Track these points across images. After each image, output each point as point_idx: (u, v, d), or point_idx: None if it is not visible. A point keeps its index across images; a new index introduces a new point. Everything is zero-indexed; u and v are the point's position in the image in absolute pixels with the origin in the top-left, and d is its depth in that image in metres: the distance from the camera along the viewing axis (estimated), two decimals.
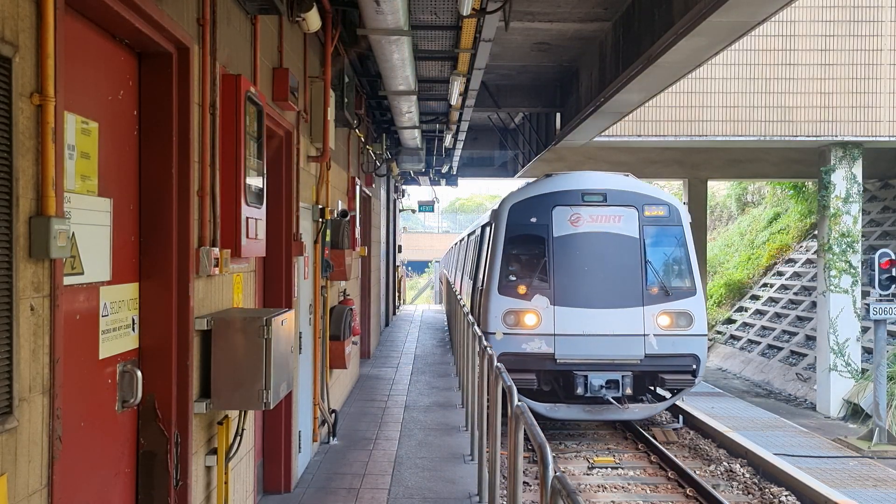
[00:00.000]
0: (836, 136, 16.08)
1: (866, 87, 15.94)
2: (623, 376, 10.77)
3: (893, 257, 12.87)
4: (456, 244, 28.16)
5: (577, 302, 11.06)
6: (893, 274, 12.84)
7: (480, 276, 12.54)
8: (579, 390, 10.69)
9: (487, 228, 12.78)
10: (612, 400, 10.76)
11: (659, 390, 12.10)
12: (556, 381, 11.44)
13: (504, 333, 11.02)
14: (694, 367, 11.02)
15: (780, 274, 23.56)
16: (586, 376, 10.71)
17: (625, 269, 11.21)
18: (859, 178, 16.63)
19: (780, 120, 16.21)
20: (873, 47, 15.96)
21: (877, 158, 19.82)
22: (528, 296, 11.11)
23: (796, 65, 16.08)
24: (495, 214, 11.97)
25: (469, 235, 18.86)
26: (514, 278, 11.37)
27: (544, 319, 10.99)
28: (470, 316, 9.54)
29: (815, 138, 16.21)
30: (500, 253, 11.41)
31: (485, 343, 7.12)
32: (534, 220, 11.46)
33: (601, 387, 10.70)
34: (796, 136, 16.18)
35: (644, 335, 10.99)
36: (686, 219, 11.67)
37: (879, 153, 19.60)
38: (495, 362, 6.01)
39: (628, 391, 10.78)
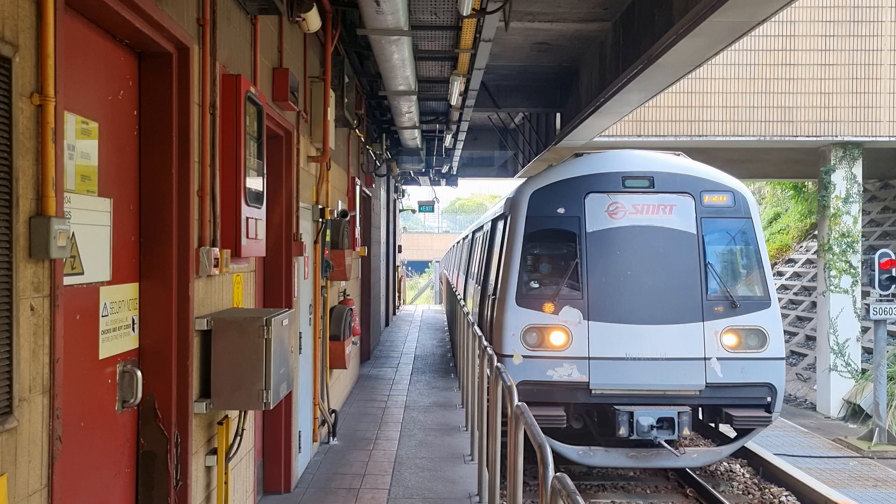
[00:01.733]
0: (836, 137, 16.09)
1: (866, 87, 15.95)
2: (679, 413, 8.42)
3: (893, 257, 12.87)
4: (458, 243, 26.19)
5: (617, 316, 8.77)
6: (893, 274, 12.84)
7: (491, 281, 10.19)
8: (622, 431, 8.37)
9: (501, 222, 10.43)
10: (664, 443, 8.47)
11: (722, 427, 9.72)
12: (588, 416, 9.20)
13: (524, 356, 8.70)
14: (769, 399, 8.74)
15: (780, 274, 23.56)
16: (631, 413, 8.38)
17: (679, 273, 8.92)
18: (859, 179, 16.64)
19: (780, 120, 16.22)
20: (873, 47, 15.97)
21: (877, 158, 19.83)
22: (555, 308, 8.82)
23: (796, 65, 16.09)
24: (512, 204, 9.57)
25: (475, 232, 16.01)
26: (536, 285, 9.10)
27: (576, 338, 8.71)
28: (470, 316, 9.48)
29: (815, 138, 16.22)
30: (519, 253, 9.10)
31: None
32: (561, 210, 9.15)
33: (651, 427, 8.36)
34: (796, 136, 16.19)
35: (705, 359, 8.67)
36: (755, 209, 9.34)
37: (879, 153, 19.61)
38: (496, 362, 6.00)
39: (686, 432, 8.47)
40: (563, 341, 8.74)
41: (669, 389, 8.63)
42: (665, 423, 8.41)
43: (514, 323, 8.84)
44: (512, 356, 8.72)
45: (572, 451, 8.74)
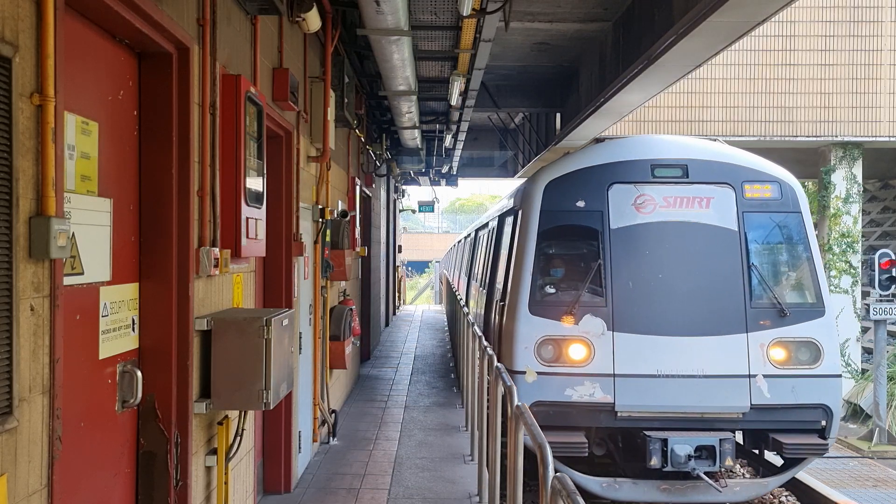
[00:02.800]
0: (836, 137, 16.11)
1: (866, 87, 15.97)
2: (721, 440, 7.20)
3: (893, 257, 12.87)
4: (459, 242, 24.99)
5: (647, 326, 7.60)
6: (893, 274, 12.85)
7: (499, 285, 9.02)
8: (654, 461, 7.15)
9: (510, 218, 9.25)
10: (703, 476, 7.25)
11: (768, 454, 8.42)
12: (611, 440, 7.97)
13: (538, 373, 7.55)
14: (823, 423, 7.54)
15: None
16: (665, 440, 7.17)
17: (718, 276, 7.75)
18: (859, 179, 16.67)
19: (780, 120, 16.23)
20: (873, 47, 15.98)
21: (877, 159, 19.84)
22: (574, 317, 7.65)
23: (796, 65, 16.10)
24: (523, 197, 8.35)
25: (479, 230, 14.60)
26: (552, 290, 7.94)
27: (598, 352, 7.55)
28: (469, 317, 9.45)
29: (815, 138, 16.24)
30: (531, 253, 7.91)
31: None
32: (580, 204, 7.96)
33: (689, 457, 7.15)
34: (796, 136, 16.20)
35: (749, 376, 7.51)
36: (805, 202, 8.14)
37: (879, 153, 19.62)
38: (495, 363, 6.00)
39: (729, 462, 7.23)
40: (584, 355, 7.57)
41: (708, 412, 7.47)
42: (704, 452, 7.23)
43: (526, 334, 7.66)
44: (524, 372, 7.53)
45: (594, 483, 7.56)
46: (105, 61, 3.33)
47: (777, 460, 8.33)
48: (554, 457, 3.56)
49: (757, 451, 8.22)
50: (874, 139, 16.10)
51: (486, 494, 6.12)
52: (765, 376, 7.54)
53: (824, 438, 7.54)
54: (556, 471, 3.10)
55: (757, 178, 8.11)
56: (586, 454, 7.33)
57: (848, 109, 16.00)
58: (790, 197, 8.08)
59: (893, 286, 12.86)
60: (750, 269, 7.79)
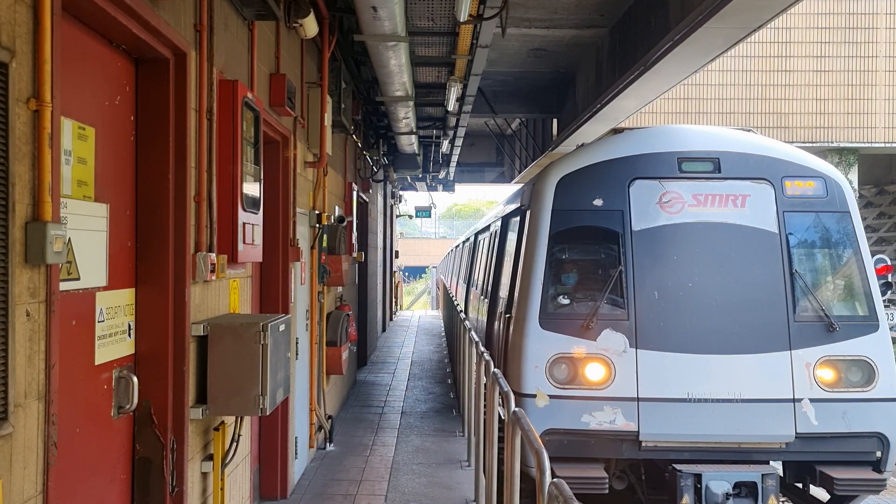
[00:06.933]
0: (832, 142, 16.17)
1: (861, 93, 16.03)
2: (764, 476, 6.31)
3: (889, 263, 12.90)
4: (457, 247, 23.57)
5: (675, 343, 6.70)
6: (889, 279, 12.87)
7: (503, 295, 8.07)
8: (686, 500, 6.27)
9: (516, 219, 8.25)
10: None
11: (814, 489, 7.24)
12: (632, 471, 7.00)
13: (550, 396, 6.65)
14: (878, 454, 6.66)
15: None
16: (699, 476, 6.29)
17: (757, 285, 6.85)
18: (855, 184, 16.72)
19: (776, 126, 16.28)
20: (868, 54, 16.05)
21: (872, 164, 19.92)
22: (592, 331, 6.73)
23: (793, 71, 16.17)
24: (532, 194, 7.40)
25: (479, 234, 13.58)
26: (565, 301, 7.03)
27: (620, 373, 6.65)
28: (466, 322, 9.43)
29: (811, 144, 16.28)
30: (542, 259, 7.00)
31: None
32: (598, 202, 7.05)
33: (728, 495, 6.26)
34: (793, 141, 16.25)
35: (794, 400, 6.62)
36: (853, 201, 7.24)
37: (875, 159, 19.70)
38: (492, 368, 5.98)
39: (772, 501, 6.35)
40: (603, 376, 6.66)
41: (747, 442, 6.57)
42: (744, 490, 6.33)
43: (537, 351, 6.75)
44: (535, 396, 6.63)
45: None
46: (102, 67, 3.33)
47: (815, 492, 7.32)
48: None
49: (800, 485, 7.27)
50: (869, 145, 16.17)
51: (482, 500, 6.11)
52: (811, 400, 6.65)
53: (879, 472, 6.66)
54: (552, 476, 3.09)
55: (799, 174, 7.18)
56: (607, 491, 6.40)
57: (843, 115, 16.07)
58: (837, 194, 7.16)
59: (889, 292, 12.89)
60: (793, 277, 6.89)
